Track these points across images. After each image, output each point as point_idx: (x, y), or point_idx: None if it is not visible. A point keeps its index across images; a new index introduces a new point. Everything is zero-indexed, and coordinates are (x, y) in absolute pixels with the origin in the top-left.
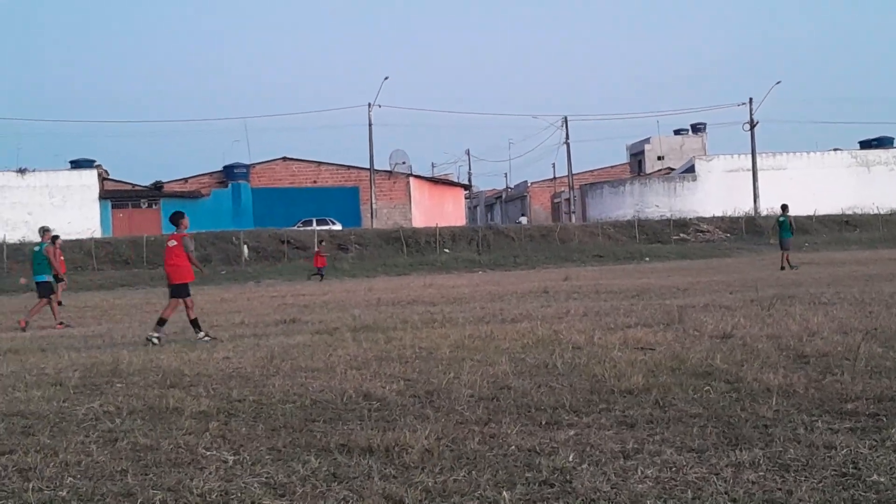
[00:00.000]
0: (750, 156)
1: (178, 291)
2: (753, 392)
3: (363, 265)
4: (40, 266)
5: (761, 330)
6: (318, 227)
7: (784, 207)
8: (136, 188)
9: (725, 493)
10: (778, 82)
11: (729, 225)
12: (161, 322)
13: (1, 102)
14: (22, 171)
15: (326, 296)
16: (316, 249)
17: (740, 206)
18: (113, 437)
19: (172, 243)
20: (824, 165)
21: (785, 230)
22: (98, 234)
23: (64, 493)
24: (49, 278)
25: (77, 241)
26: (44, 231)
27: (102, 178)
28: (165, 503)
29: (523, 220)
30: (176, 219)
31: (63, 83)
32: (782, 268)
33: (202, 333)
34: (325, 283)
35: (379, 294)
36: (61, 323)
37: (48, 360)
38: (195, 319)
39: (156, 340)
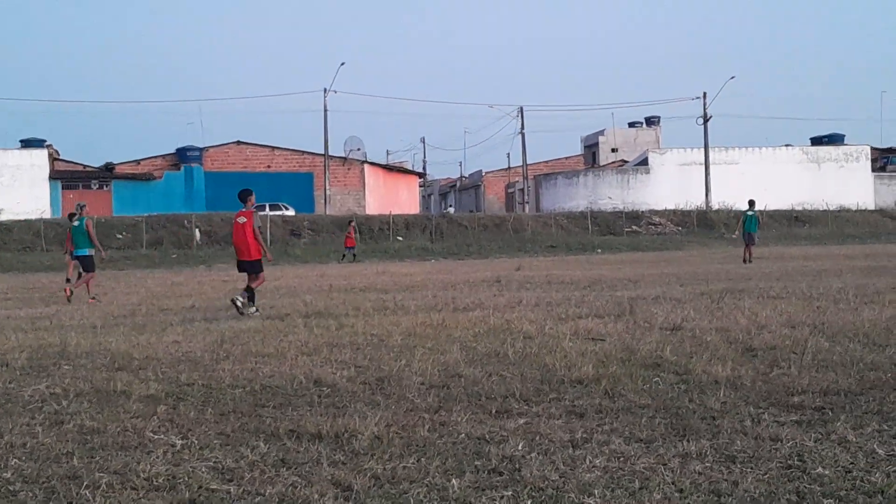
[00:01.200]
0: (703, 150)
1: (257, 266)
2: (702, 384)
3: (316, 251)
4: (82, 240)
5: (710, 323)
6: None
7: (751, 203)
8: (88, 169)
9: (672, 483)
10: (732, 77)
11: (681, 218)
12: (250, 294)
13: None
14: None
15: (278, 281)
16: (347, 231)
17: (692, 199)
18: (59, 419)
19: (242, 220)
20: (776, 161)
21: (751, 224)
22: (48, 215)
23: (8, 475)
24: (91, 251)
25: (26, 221)
26: (81, 207)
27: (53, 159)
28: (112, 486)
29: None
30: (245, 196)
31: (14, 60)
32: (745, 261)
33: (254, 308)
34: (276, 268)
35: (331, 280)
36: (94, 297)
37: None
38: (253, 291)
39: (254, 312)
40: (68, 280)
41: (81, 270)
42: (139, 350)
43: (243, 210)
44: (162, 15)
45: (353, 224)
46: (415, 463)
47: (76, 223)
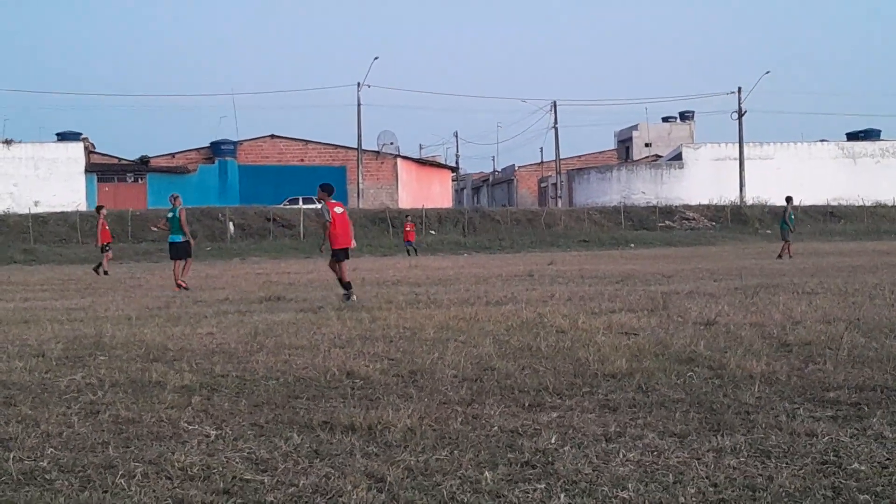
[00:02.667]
0: (737, 145)
1: (342, 255)
2: (736, 379)
3: None
4: (175, 228)
5: (745, 318)
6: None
7: (788, 199)
8: (123, 162)
9: (706, 477)
10: (767, 72)
11: (714, 213)
12: (346, 286)
13: None
14: (8, 142)
15: (311, 274)
16: (407, 227)
17: (726, 194)
18: (95, 409)
19: (340, 210)
20: (811, 156)
21: (787, 220)
22: (83, 208)
23: (45, 464)
24: (184, 238)
25: (62, 213)
26: (174, 198)
27: (89, 152)
28: (147, 476)
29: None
30: (329, 190)
31: (50, 55)
32: (780, 256)
33: (354, 297)
34: (309, 262)
35: (364, 274)
36: (180, 284)
37: (31, 332)
38: (347, 282)
39: (354, 299)
40: (106, 273)
41: (173, 258)
42: (174, 341)
43: (334, 201)
44: (196, 8)
45: (409, 217)
46: (448, 455)
47: (170, 214)
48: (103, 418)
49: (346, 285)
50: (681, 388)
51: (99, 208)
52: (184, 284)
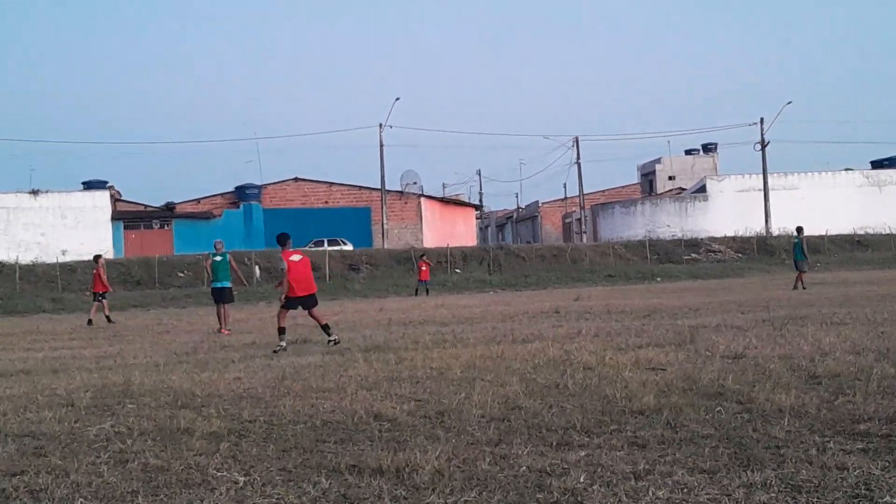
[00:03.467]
0: (761, 176)
1: (295, 303)
2: (765, 413)
3: (374, 285)
4: (224, 273)
5: (773, 350)
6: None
7: (798, 230)
8: (149, 209)
9: None
10: (789, 102)
11: (740, 245)
12: (325, 329)
13: (13, 123)
14: (35, 192)
15: (337, 316)
16: (424, 266)
17: (752, 226)
18: (124, 457)
19: (297, 257)
20: (836, 185)
21: (797, 251)
22: (110, 255)
23: None
24: (229, 284)
25: (90, 261)
26: (220, 243)
27: (115, 199)
28: None
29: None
30: (283, 240)
31: (75, 104)
32: (794, 287)
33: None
34: (336, 303)
35: (390, 314)
36: (226, 329)
37: (60, 381)
38: (325, 325)
39: (335, 339)
40: (109, 318)
41: (219, 301)
42: (201, 387)
43: (292, 249)
44: (218, 54)
45: (425, 258)
46: (476, 497)
47: (219, 258)
48: (132, 467)
49: (325, 328)
50: (710, 424)
51: (97, 257)
52: (227, 332)
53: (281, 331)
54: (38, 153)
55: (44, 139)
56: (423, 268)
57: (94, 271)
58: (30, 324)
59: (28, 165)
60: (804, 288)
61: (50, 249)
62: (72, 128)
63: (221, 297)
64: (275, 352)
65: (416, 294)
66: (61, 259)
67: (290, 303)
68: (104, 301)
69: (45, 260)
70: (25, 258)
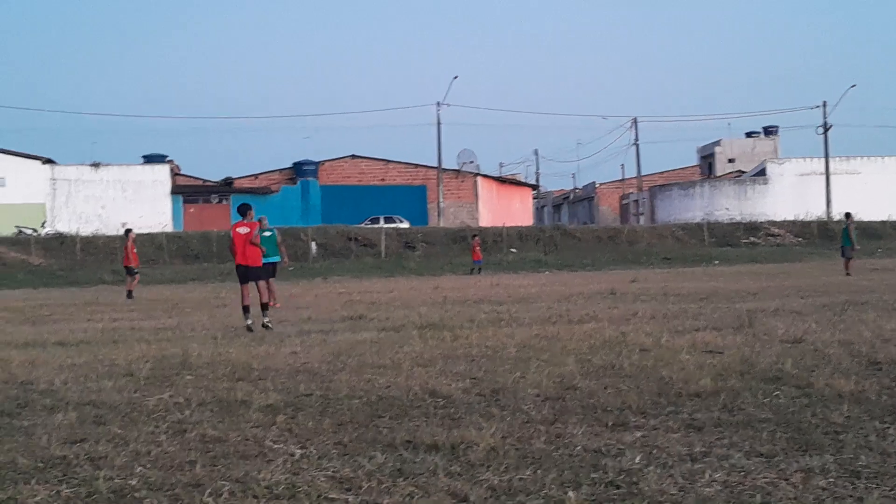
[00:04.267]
0: (823, 159)
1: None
2: (824, 398)
3: (430, 263)
4: (274, 248)
5: (833, 335)
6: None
7: (847, 215)
8: (207, 184)
9: (795, 498)
10: (853, 86)
11: (800, 229)
12: (264, 307)
13: (76, 98)
14: (96, 165)
15: (392, 293)
16: (474, 245)
17: (812, 210)
18: (182, 428)
19: (244, 230)
20: None
21: (844, 237)
22: (169, 229)
23: (134, 482)
24: (279, 259)
25: (149, 234)
26: (263, 219)
27: (174, 174)
28: (234, 494)
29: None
30: (243, 210)
31: (136, 78)
32: (847, 273)
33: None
34: (391, 281)
35: (445, 292)
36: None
37: (120, 352)
38: (264, 303)
39: (268, 324)
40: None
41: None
42: (258, 361)
43: (243, 221)
44: (277, 32)
45: (476, 238)
46: (531, 475)
47: (268, 233)
48: (190, 437)
49: (264, 307)
50: (767, 408)
51: (127, 231)
52: (279, 304)
53: (245, 308)
54: (100, 127)
55: (105, 112)
56: (476, 248)
57: (125, 245)
58: (90, 295)
59: (89, 139)
60: (848, 274)
61: (110, 222)
62: (133, 102)
63: (267, 272)
64: (249, 330)
65: (472, 273)
66: (121, 231)
67: (239, 273)
68: (136, 276)
69: (105, 232)
70: (86, 230)
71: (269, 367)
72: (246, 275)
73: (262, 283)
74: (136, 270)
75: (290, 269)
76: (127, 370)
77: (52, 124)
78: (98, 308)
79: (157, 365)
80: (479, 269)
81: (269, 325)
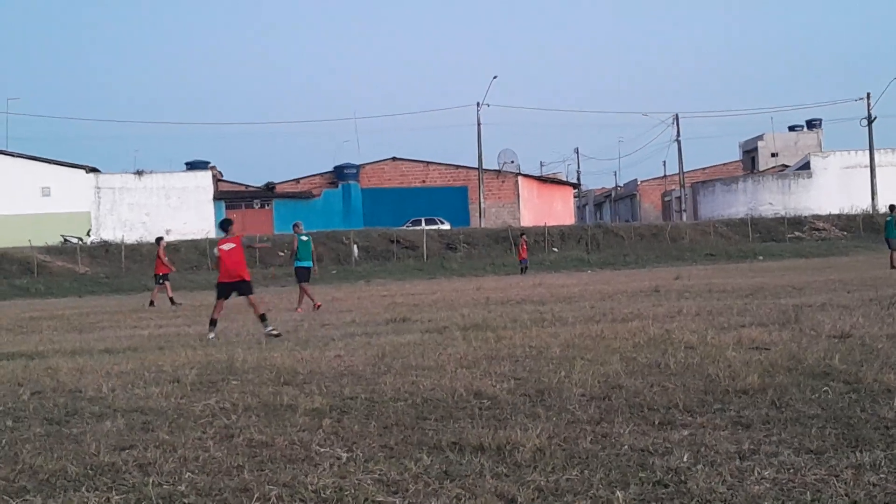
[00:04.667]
0: (868, 152)
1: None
2: (873, 393)
3: (472, 264)
4: (308, 253)
5: (881, 329)
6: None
7: (891, 207)
8: (249, 189)
9: (846, 495)
10: None
11: (846, 223)
12: (262, 318)
13: (119, 105)
14: (139, 172)
15: (435, 295)
16: (522, 244)
17: (857, 203)
18: (229, 433)
19: (229, 246)
20: None
21: (889, 230)
22: (213, 235)
23: (182, 488)
24: (311, 264)
25: (192, 241)
26: (294, 225)
27: (216, 180)
28: (281, 498)
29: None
30: (225, 225)
31: (178, 86)
32: (893, 266)
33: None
34: (433, 282)
35: (488, 293)
36: (300, 308)
37: (166, 358)
38: (261, 314)
39: (274, 331)
40: (172, 300)
41: (303, 280)
42: (303, 365)
43: (227, 237)
44: (316, 34)
45: (524, 237)
46: (578, 475)
47: (305, 238)
48: (237, 442)
49: (262, 317)
50: (816, 404)
51: (158, 239)
52: (302, 309)
53: (212, 322)
54: (143, 135)
55: (148, 121)
56: (524, 246)
57: (158, 252)
58: (135, 302)
59: (133, 147)
60: (893, 267)
61: (154, 229)
62: (175, 109)
63: (305, 275)
64: (208, 340)
65: (522, 272)
66: (166, 238)
67: (222, 290)
68: (167, 283)
69: (150, 239)
70: (130, 237)
71: (313, 371)
72: (229, 291)
73: (253, 297)
74: (162, 278)
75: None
76: (173, 376)
77: (96, 133)
78: (144, 315)
79: (203, 370)
80: (526, 267)
81: (275, 332)
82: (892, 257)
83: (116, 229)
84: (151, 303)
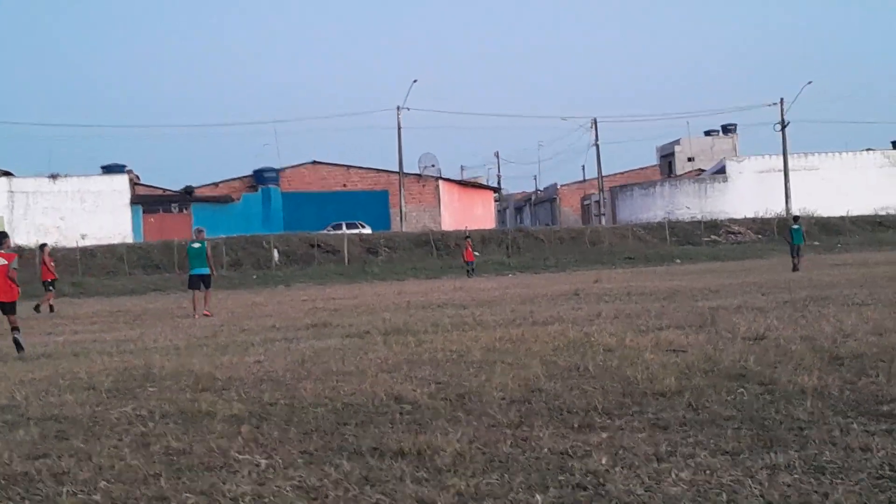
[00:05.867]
0: (781, 156)
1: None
2: (788, 394)
3: (393, 268)
4: (200, 260)
5: (795, 331)
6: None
7: (795, 218)
8: (167, 193)
9: (761, 495)
10: (809, 82)
11: (761, 226)
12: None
13: (32, 108)
14: (54, 176)
15: (356, 299)
16: (467, 246)
17: (772, 207)
18: (146, 441)
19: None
20: (856, 166)
21: (796, 236)
22: (129, 239)
23: (98, 497)
24: (208, 271)
25: (109, 245)
26: (199, 231)
27: (133, 183)
28: None
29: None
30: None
31: (92, 88)
32: (795, 269)
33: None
34: (354, 286)
35: (409, 297)
36: (206, 314)
37: (81, 365)
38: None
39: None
40: (52, 309)
41: (204, 287)
42: (222, 371)
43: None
44: (235, 37)
45: (468, 239)
46: (498, 479)
47: (197, 245)
48: (154, 450)
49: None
50: (732, 405)
51: (42, 246)
52: (209, 313)
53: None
54: (57, 137)
55: (62, 123)
56: (469, 248)
57: (42, 259)
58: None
59: (47, 150)
60: (795, 270)
61: (69, 233)
62: (90, 112)
63: (198, 283)
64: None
65: (468, 274)
66: (81, 243)
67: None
68: (52, 290)
69: (65, 244)
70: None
71: (232, 377)
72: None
73: (13, 318)
74: (50, 284)
75: (254, 277)
76: (89, 383)
77: (9, 135)
78: (59, 321)
79: (120, 377)
80: (473, 269)
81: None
82: (795, 260)
83: (30, 234)
84: (49, 307)
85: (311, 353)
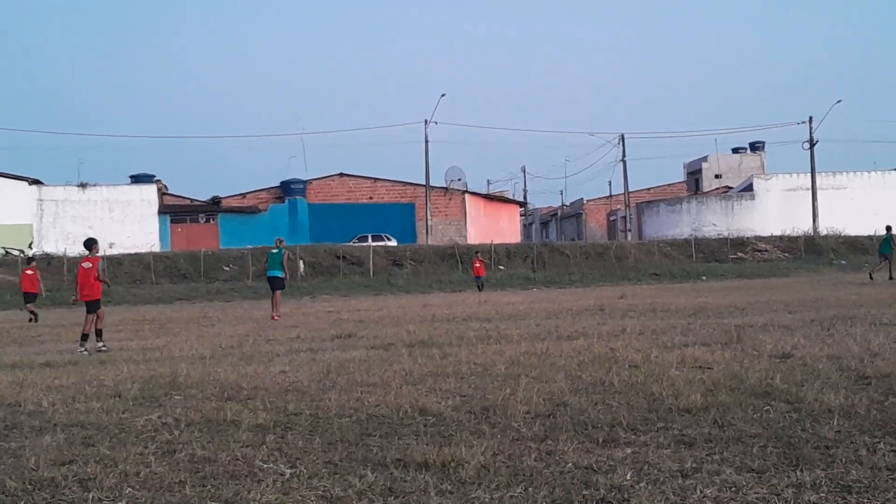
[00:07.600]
0: (809, 175)
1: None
2: (814, 412)
3: (418, 281)
4: (274, 264)
5: (821, 350)
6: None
7: (888, 228)
8: (195, 203)
9: None
10: (838, 101)
11: (788, 244)
12: (83, 337)
13: (63, 118)
14: (83, 185)
15: (381, 311)
16: (476, 262)
17: (799, 225)
18: (171, 448)
19: (87, 265)
20: (885, 185)
21: (885, 246)
22: (157, 248)
23: None
24: (281, 274)
25: (136, 254)
26: (279, 241)
27: (162, 193)
28: None
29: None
30: (88, 244)
31: (123, 99)
32: (891, 278)
33: (84, 350)
34: (379, 299)
35: (434, 310)
36: (275, 316)
37: (108, 373)
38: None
39: (83, 352)
40: (34, 319)
41: (273, 289)
42: (247, 380)
43: (89, 256)
44: (264, 50)
45: (478, 255)
46: (522, 492)
47: (275, 251)
48: (180, 457)
49: (83, 337)
50: (758, 423)
51: (30, 259)
52: (276, 317)
53: (83, 337)
54: (87, 147)
55: (92, 133)
56: (478, 264)
57: (27, 271)
58: (77, 316)
59: (76, 159)
60: (891, 278)
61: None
62: (120, 122)
63: (276, 284)
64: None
65: (479, 289)
66: (109, 252)
67: (88, 306)
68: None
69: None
70: (73, 251)
71: (258, 387)
72: (88, 306)
73: (95, 314)
74: (33, 298)
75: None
76: (115, 391)
77: (39, 144)
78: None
79: (146, 385)
80: (482, 284)
81: (82, 350)
82: (890, 268)
83: (59, 242)
84: (34, 317)
85: (336, 364)
